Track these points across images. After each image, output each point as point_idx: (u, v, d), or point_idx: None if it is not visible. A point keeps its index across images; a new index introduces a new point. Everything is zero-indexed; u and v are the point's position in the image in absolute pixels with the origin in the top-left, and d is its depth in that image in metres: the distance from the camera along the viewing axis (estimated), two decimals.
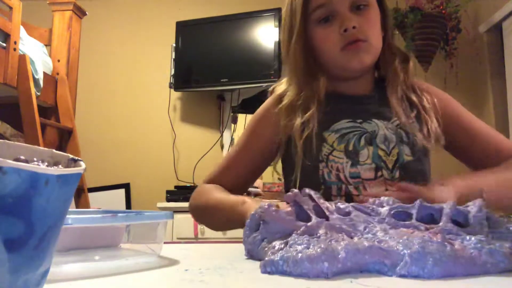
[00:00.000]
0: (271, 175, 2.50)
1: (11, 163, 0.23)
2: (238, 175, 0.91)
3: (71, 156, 0.31)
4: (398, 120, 0.83)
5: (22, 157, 0.27)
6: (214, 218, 0.87)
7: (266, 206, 0.52)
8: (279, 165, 0.94)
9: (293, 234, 0.46)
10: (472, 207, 0.50)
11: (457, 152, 0.89)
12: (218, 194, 0.84)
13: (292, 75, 0.90)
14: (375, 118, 0.84)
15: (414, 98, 0.85)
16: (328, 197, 0.79)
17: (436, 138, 0.82)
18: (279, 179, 2.52)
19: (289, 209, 0.52)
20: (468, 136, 0.87)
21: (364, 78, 0.89)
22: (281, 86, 0.94)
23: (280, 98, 0.90)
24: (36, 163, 0.28)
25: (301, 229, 0.46)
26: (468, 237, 0.44)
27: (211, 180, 0.92)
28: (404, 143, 0.81)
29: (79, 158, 0.31)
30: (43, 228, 0.25)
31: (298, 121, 0.83)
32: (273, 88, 0.95)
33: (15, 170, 0.23)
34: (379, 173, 0.79)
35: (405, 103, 0.85)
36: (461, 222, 0.49)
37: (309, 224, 0.47)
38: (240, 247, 0.60)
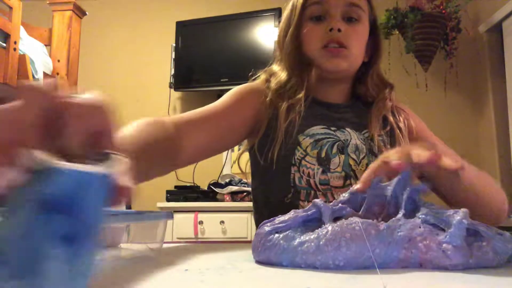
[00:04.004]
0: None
1: (62, 164, 0.25)
2: (209, 134, 0.79)
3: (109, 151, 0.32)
4: (369, 132, 0.85)
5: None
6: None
7: None
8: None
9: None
10: (455, 214, 0.45)
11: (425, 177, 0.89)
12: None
13: (284, 62, 0.91)
14: (349, 128, 0.86)
15: (391, 118, 0.88)
16: (296, 201, 0.80)
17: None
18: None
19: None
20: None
21: (342, 87, 0.92)
22: (268, 71, 0.94)
23: (269, 78, 0.91)
24: (87, 161, 0.28)
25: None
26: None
27: (175, 124, 0.73)
28: (374, 154, 0.83)
29: (117, 152, 0.31)
30: (92, 224, 0.27)
31: (285, 104, 0.84)
32: (258, 76, 0.95)
33: (67, 171, 0.25)
34: (348, 182, 0.81)
35: (381, 120, 0.88)
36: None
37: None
38: (240, 247, 0.60)
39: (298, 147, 0.82)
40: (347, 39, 0.83)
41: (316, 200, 0.50)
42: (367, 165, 0.82)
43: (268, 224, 0.49)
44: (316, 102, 0.88)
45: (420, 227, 0.44)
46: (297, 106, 0.83)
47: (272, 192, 0.86)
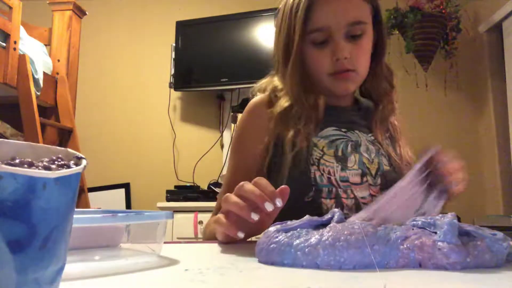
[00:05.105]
0: None
1: (6, 168, 0.23)
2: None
3: (77, 153, 0.31)
4: (374, 136, 0.90)
5: (17, 160, 0.27)
6: None
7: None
8: None
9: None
10: (443, 217, 0.46)
11: None
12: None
13: (286, 85, 0.90)
14: (357, 130, 0.90)
15: (392, 121, 0.94)
16: (318, 200, 0.81)
17: (406, 161, 0.89)
18: None
19: None
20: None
21: (349, 95, 0.94)
22: (269, 85, 0.94)
23: (271, 97, 0.91)
24: (34, 167, 0.27)
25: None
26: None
27: (216, 211, 0.92)
28: (382, 155, 0.88)
29: (82, 156, 0.31)
30: (47, 229, 0.25)
31: (291, 133, 0.85)
32: (256, 90, 0.97)
33: (11, 175, 0.23)
34: (364, 179, 0.84)
35: (386, 125, 0.93)
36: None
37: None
38: (240, 247, 0.60)
39: (315, 148, 0.84)
40: (354, 62, 0.84)
41: (335, 209, 0.52)
42: (378, 163, 0.86)
43: (279, 225, 0.51)
44: (326, 107, 0.89)
45: (413, 229, 0.46)
46: (304, 138, 0.83)
47: (291, 193, 0.86)
